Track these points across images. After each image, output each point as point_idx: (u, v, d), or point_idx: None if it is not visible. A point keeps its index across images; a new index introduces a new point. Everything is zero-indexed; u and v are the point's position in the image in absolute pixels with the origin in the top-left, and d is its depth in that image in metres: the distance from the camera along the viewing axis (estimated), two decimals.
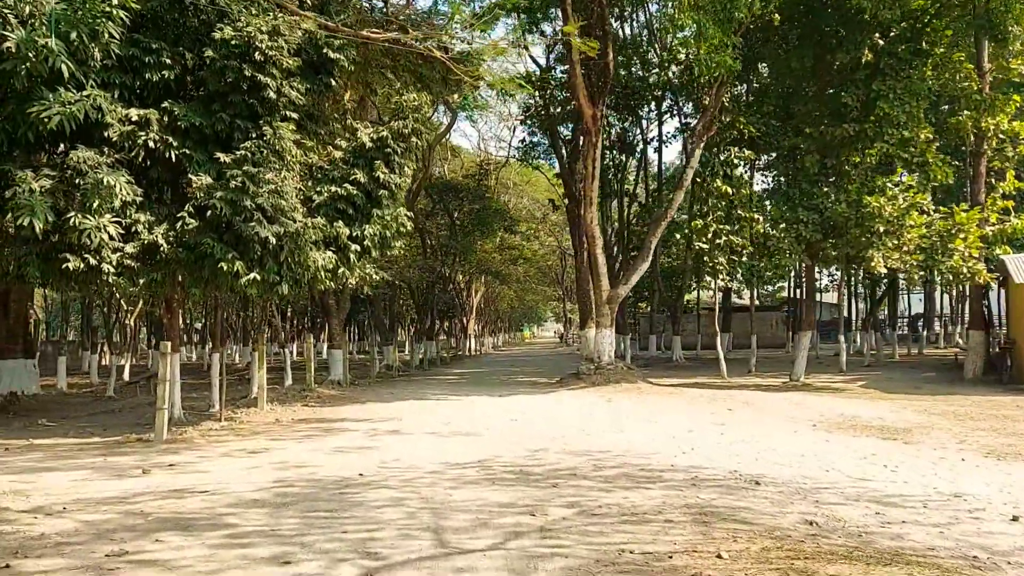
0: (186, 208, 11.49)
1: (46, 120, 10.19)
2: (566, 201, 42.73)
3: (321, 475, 8.32)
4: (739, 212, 22.83)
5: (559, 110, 28.00)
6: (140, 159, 11.30)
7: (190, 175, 11.37)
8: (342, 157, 12.93)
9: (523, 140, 48.94)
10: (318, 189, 12.50)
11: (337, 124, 13.58)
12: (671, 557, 5.13)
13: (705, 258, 22.45)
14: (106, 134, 11.05)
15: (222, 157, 11.29)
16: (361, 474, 8.31)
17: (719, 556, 5.13)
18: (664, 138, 36.65)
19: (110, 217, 10.71)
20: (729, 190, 22.58)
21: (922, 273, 23.94)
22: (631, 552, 5.26)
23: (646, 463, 8.80)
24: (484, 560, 5.14)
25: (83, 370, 34.71)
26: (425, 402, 16.36)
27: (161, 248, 11.25)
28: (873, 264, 19.56)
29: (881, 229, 19.06)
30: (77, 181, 10.57)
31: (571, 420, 12.86)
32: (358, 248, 12.40)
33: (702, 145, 19.55)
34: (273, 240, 11.16)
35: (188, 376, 29.04)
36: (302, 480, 8.05)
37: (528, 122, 32.16)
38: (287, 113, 12.13)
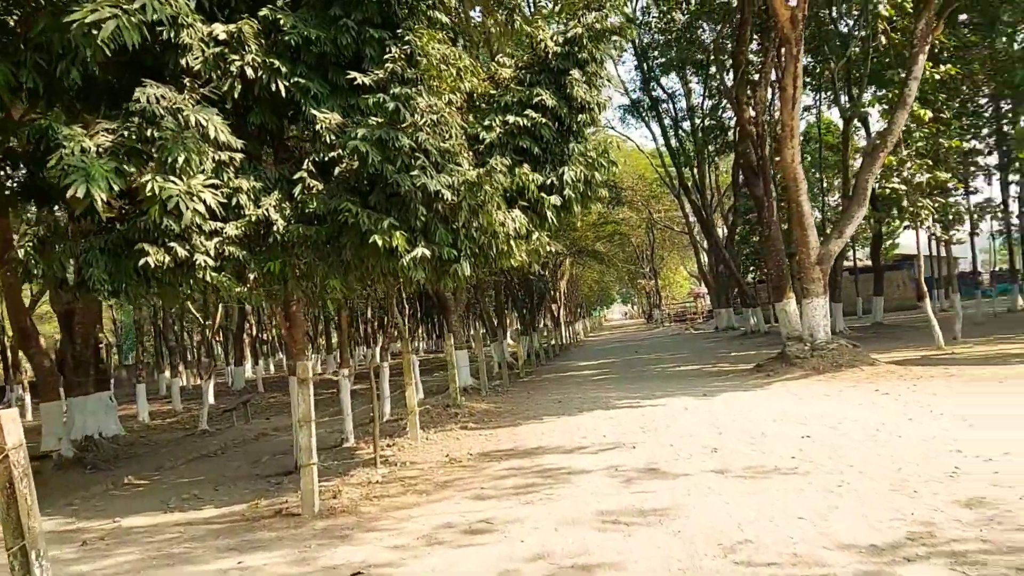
0: (305, 165, 7.76)
1: (95, 33, 6.49)
2: (667, 170, 38.78)
3: None
4: (942, 142, 18.35)
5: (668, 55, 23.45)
6: (234, 97, 7.57)
7: (312, 111, 7.59)
8: (514, 75, 9.00)
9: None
10: (485, 123, 8.59)
11: (498, 31, 9.64)
12: None
13: (904, 202, 17.92)
14: (183, 61, 7.35)
15: (359, 78, 7.47)
16: None
17: None
18: None
19: (203, 179, 7.01)
20: (928, 114, 18.14)
21: None
22: None
23: None
24: None
25: (161, 393, 31.85)
26: (616, 412, 12.26)
27: (275, 225, 7.53)
28: None
29: None
30: (149, 132, 6.91)
31: (899, 433, 8.30)
32: (557, 201, 8.47)
33: (926, 50, 14.96)
34: (447, 195, 7.30)
35: (277, 391, 25.71)
36: None
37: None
38: (435, 15, 8.28)
